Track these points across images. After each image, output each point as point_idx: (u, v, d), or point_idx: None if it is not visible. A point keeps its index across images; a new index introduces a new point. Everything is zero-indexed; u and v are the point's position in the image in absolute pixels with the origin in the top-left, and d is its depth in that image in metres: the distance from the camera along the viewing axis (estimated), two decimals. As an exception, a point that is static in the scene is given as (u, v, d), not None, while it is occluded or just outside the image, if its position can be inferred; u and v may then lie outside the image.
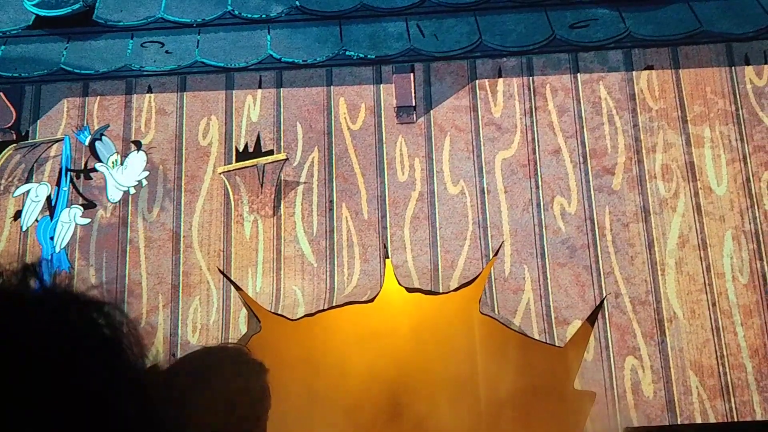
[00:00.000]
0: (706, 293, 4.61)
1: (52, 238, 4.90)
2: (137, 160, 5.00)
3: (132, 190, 4.96)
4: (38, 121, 5.15)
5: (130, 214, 4.95)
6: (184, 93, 5.16)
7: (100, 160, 5.04)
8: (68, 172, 5.02)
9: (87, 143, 5.06)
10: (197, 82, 5.19)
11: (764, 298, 4.59)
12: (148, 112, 5.14)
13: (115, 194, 4.96)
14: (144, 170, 4.98)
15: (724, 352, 4.51)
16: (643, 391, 4.47)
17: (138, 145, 5.05)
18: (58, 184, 5.01)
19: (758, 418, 4.35)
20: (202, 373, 1.62)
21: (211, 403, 1.55)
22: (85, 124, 5.10)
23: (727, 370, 4.48)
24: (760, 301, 4.58)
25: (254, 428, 1.61)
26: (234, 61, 5.16)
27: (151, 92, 5.17)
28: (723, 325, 4.55)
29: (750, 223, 4.72)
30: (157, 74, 5.18)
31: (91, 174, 5.03)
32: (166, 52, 5.20)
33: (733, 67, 5.01)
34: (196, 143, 5.07)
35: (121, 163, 5.00)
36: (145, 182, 4.97)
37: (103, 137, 5.05)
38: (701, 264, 4.67)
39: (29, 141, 5.11)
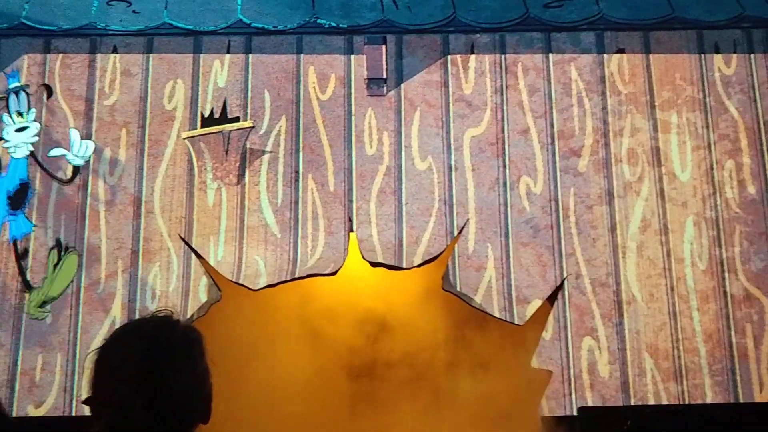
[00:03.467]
0: (666, 278, 4.68)
1: (12, 200, 4.79)
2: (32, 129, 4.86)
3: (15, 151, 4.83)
4: (-3, 76, 4.99)
5: (90, 177, 4.84)
6: (150, 55, 5.04)
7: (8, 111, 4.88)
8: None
9: (4, 91, 4.91)
10: (164, 44, 5.06)
11: (720, 285, 4.67)
12: (113, 72, 5.01)
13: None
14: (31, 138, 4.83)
15: (680, 336, 4.59)
16: (599, 371, 4.54)
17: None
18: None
19: (709, 401, 4.45)
20: (131, 344, 1.57)
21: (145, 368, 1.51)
22: (15, 70, 4.95)
23: (681, 353, 4.56)
24: (716, 287, 4.66)
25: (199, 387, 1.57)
26: (203, 24, 5.05)
27: (117, 52, 5.04)
28: (680, 309, 4.63)
29: (711, 210, 4.79)
30: (123, 34, 5.04)
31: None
32: (133, 11, 5.07)
33: (702, 55, 5.04)
34: (161, 107, 4.96)
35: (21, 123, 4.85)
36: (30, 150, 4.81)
37: (21, 93, 4.90)
38: (662, 249, 4.73)
39: (-13, 97, 4.95)
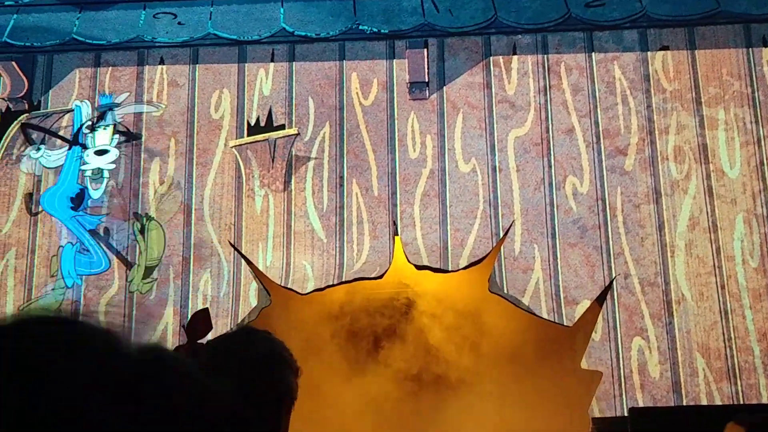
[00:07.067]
0: (715, 276, 4.61)
1: (74, 202, 4.93)
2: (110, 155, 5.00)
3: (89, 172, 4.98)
4: (50, 91, 5.14)
5: (141, 186, 4.95)
6: (197, 65, 5.14)
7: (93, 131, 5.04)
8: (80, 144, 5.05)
9: (98, 109, 5.06)
10: (210, 55, 5.16)
11: (774, 282, 4.58)
12: (160, 83, 5.13)
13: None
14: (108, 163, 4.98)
15: (732, 335, 4.52)
16: (649, 371, 4.50)
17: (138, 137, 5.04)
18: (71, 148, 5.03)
19: (764, 401, 4.37)
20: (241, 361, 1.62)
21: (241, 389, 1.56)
22: (109, 93, 5.12)
23: (735, 353, 4.49)
24: (769, 285, 4.58)
25: (280, 422, 1.62)
26: (247, 34, 5.14)
27: (164, 64, 5.16)
28: (731, 308, 4.56)
29: (762, 207, 4.71)
30: (170, 45, 5.16)
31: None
32: (179, 23, 5.17)
33: (750, 49, 4.96)
34: (208, 116, 5.06)
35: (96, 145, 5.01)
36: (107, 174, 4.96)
37: (113, 112, 5.04)
38: (711, 246, 4.66)
39: (41, 111, 5.11)
